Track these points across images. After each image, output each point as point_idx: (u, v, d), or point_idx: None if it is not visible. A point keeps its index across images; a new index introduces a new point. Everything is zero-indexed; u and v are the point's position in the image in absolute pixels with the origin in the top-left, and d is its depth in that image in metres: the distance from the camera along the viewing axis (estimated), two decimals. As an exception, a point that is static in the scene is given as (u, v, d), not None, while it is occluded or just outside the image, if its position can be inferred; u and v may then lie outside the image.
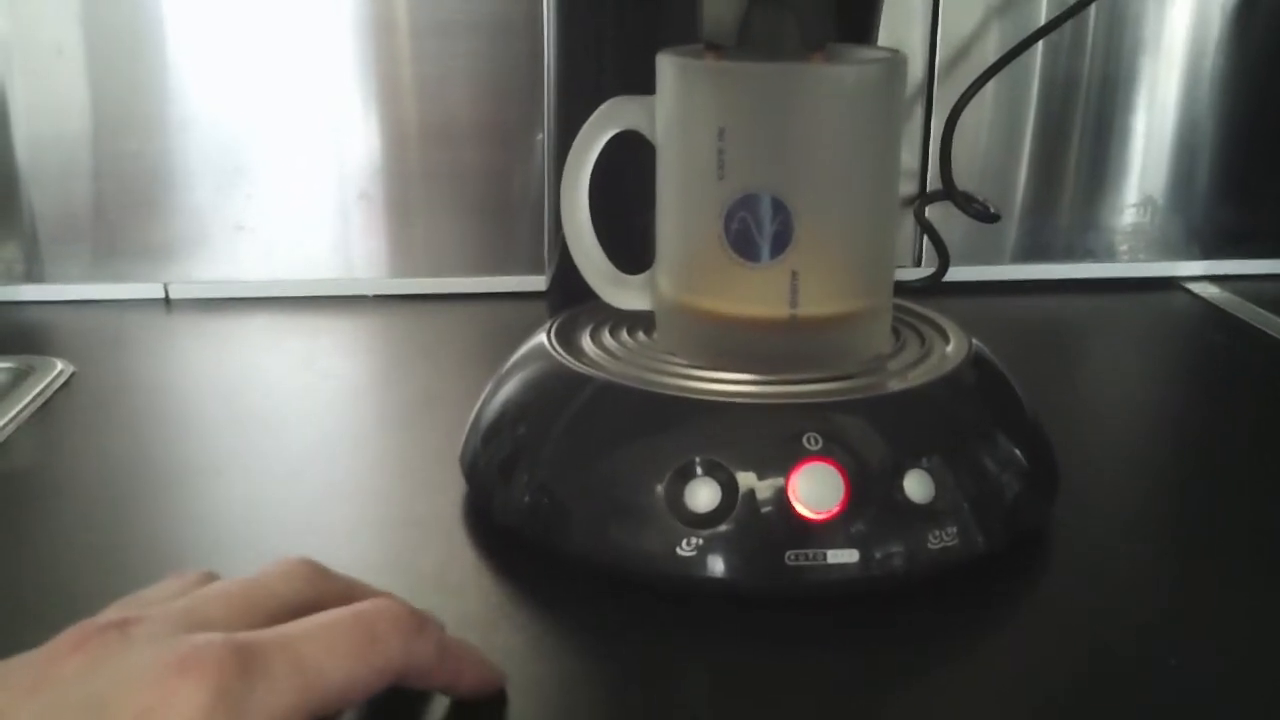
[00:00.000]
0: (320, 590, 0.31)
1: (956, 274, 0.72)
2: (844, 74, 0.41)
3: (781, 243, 0.41)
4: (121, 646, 0.26)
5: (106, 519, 0.45)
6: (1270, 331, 0.66)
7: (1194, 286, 0.74)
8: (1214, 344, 0.66)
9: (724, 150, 0.40)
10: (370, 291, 0.72)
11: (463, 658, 0.33)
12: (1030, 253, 0.75)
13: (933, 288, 0.70)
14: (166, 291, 0.71)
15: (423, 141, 0.70)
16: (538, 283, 0.70)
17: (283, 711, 0.26)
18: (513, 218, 0.72)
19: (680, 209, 0.43)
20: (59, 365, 0.59)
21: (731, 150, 0.40)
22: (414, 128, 0.70)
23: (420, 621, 0.30)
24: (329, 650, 0.28)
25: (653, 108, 0.43)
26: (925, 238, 0.72)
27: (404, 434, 0.54)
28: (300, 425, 0.54)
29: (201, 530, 0.45)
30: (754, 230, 0.41)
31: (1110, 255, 0.75)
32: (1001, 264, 0.75)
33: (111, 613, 0.29)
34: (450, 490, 0.45)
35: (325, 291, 0.72)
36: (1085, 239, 0.75)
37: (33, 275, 0.71)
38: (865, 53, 0.45)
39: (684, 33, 0.42)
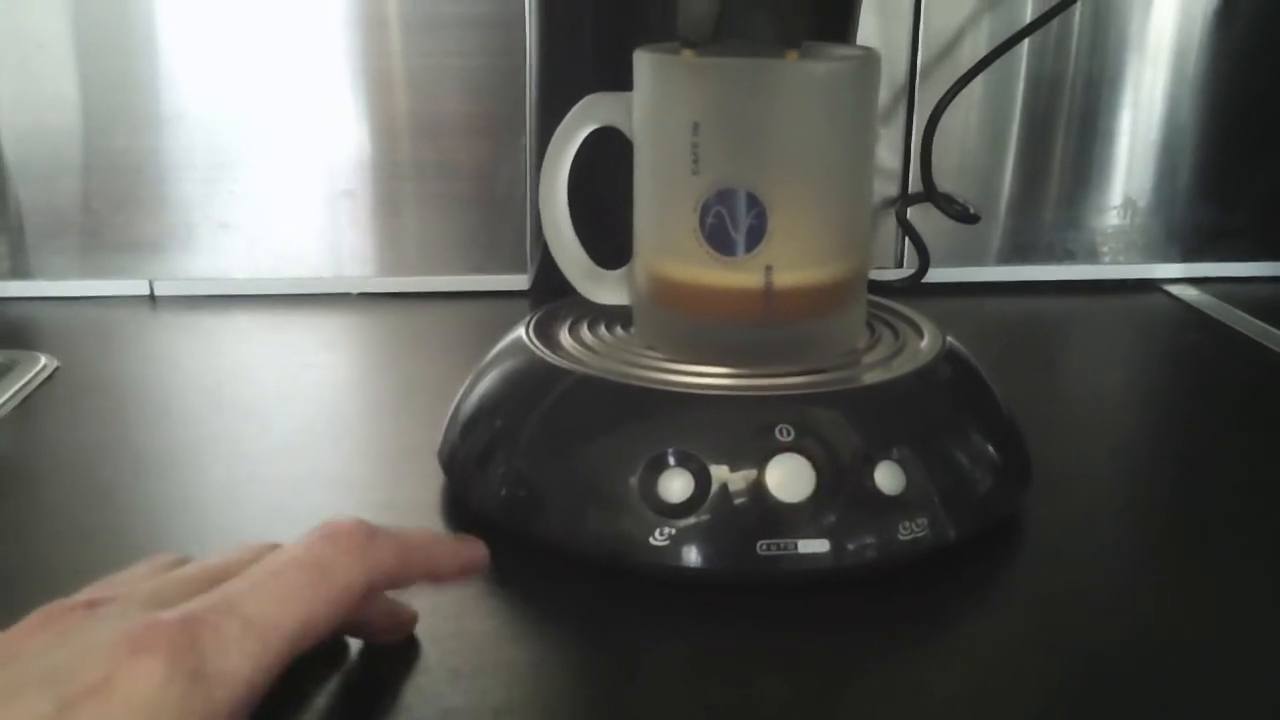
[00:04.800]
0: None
1: (940, 275, 0.72)
2: (816, 69, 0.41)
3: (756, 237, 0.41)
4: (85, 624, 0.27)
5: (86, 505, 0.45)
6: (1246, 332, 0.66)
7: (1173, 288, 0.74)
8: (1190, 344, 0.67)
9: (698, 145, 0.41)
10: (355, 290, 0.72)
11: (431, 545, 0.32)
12: (1013, 254, 0.75)
13: (913, 288, 0.70)
14: (151, 288, 0.72)
15: (410, 139, 0.71)
16: (522, 282, 0.71)
17: (242, 673, 0.26)
18: (499, 216, 0.72)
19: (656, 203, 0.43)
20: (42, 360, 0.59)
21: (706, 144, 0.41)
22: (401, 124, 0.70)
23: (369, 531, 0.29)
24: (277, 600, 0.27)
25: (630, 104, 0.43)
26: (906, 238, 0.73)
27: (384, 426, 0.54)
28: (281, 416, 0.54)
29: (181, 516, 0.45)
30: (729, 224, 0.41)
31: (1091, 257, 0.75)
32: (985, 265, 0.75)
33: (81, 595, 0.29)
34: (428, 481, 0.46)
35: (309, 289, 0.72)
36: (1067, 240, 0.75)
37: (18, 271, 0.71)
38: (840, 50, 0.45)
39: (663, 31, 0.43)
